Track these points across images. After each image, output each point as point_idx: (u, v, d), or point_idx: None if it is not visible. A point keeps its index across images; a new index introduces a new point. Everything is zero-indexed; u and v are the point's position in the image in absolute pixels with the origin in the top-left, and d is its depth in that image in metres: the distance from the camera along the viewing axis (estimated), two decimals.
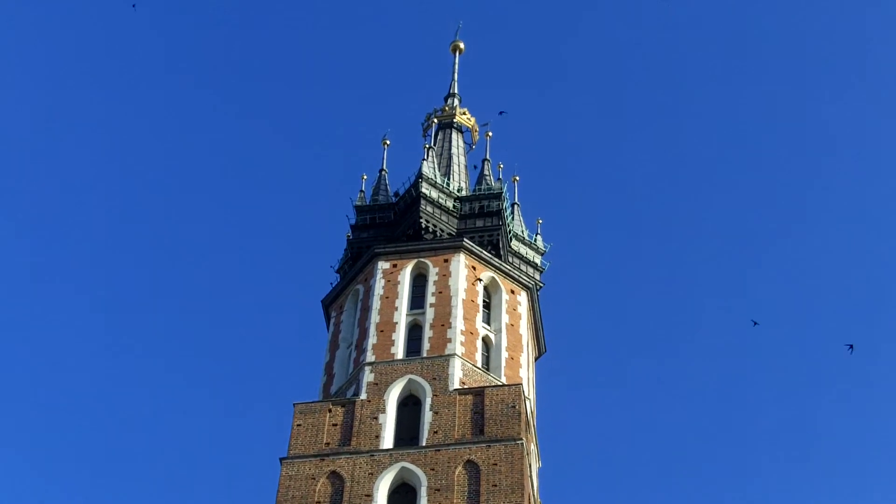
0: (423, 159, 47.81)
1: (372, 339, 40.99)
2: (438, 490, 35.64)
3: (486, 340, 42.03)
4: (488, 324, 42.73)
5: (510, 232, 47.46)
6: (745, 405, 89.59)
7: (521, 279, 45.11)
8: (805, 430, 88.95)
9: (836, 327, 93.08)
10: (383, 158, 50.55)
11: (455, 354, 40.01)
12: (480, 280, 43.45)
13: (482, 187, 48.25)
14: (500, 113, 53.41)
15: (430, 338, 40.85)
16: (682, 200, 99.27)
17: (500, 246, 45.86)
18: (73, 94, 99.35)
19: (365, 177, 49.30)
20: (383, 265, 43.64)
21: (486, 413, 37.72)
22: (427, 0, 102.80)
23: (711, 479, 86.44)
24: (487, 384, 39.44)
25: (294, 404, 39.04)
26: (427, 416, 38.07)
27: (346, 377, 41.19)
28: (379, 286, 42.94)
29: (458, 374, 39.39)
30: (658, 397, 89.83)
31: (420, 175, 46.87)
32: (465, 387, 39.00)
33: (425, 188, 46.52)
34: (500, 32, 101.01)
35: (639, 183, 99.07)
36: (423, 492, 35.68)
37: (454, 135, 52.55)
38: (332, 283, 46.23)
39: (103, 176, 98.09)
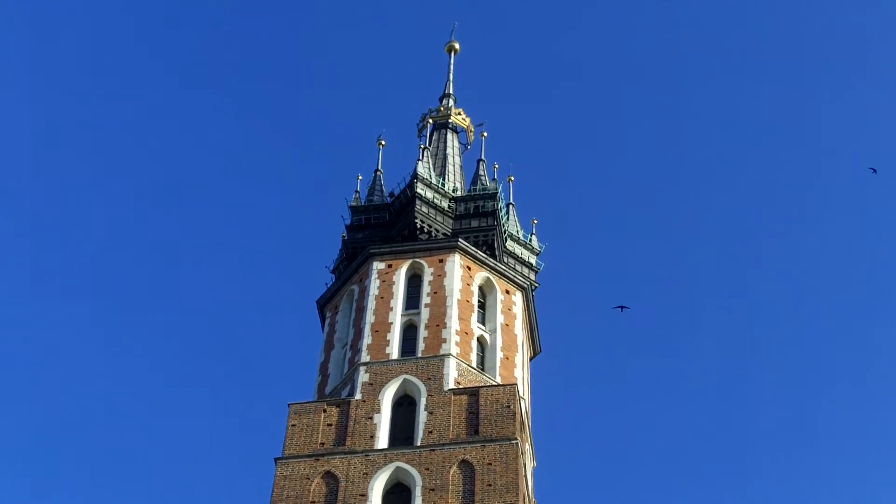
0: (419, 159, 47.83)
1: (367, 340, 40.99)
2: (433, 490, 35.66)
3: (480, 340, 42.04)
4: (483, 324, 42.75)
5: (505, 232, 47.51)
6: (744, 405, 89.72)
7: (516, 279, 45.16)
8: (805, 429, 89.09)
9: (836, 327, 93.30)
10: (378, 159, 50.67)
11: (450, 354, 40.01)
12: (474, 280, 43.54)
13: (477, 187, 48.25)
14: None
15: (424, 338, 40.85)
16: (679, 200, 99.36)
17: (496, 246, 45.87)
18: (72, 94, 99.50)
19: (360, 177, 49.36)
20: (378, 265, 43.65)
21: (480, 413, 37.74)
22: (422, 0, 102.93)
23: (710, 479, 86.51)
24: (482, 384, 39.46)
25: (289, 404, 39.04)
26: (422, 416, 38.05)
27: (340, 377, 41.19)
28: (374, 286, 42.94)
29: (452, 374, 39.39)
30: (654, 397, 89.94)
31: (415, 175, 46.89)
32: (460, 387, 39.00)
33: (420, 188, 46.54)
34: (496, 33, 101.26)
35: (635, 183, 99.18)
36: (418, 492, 35.69)
37: (449, 135, 52.58)
38: (327, 284, 46.30)
39: (99, 176, 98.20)
